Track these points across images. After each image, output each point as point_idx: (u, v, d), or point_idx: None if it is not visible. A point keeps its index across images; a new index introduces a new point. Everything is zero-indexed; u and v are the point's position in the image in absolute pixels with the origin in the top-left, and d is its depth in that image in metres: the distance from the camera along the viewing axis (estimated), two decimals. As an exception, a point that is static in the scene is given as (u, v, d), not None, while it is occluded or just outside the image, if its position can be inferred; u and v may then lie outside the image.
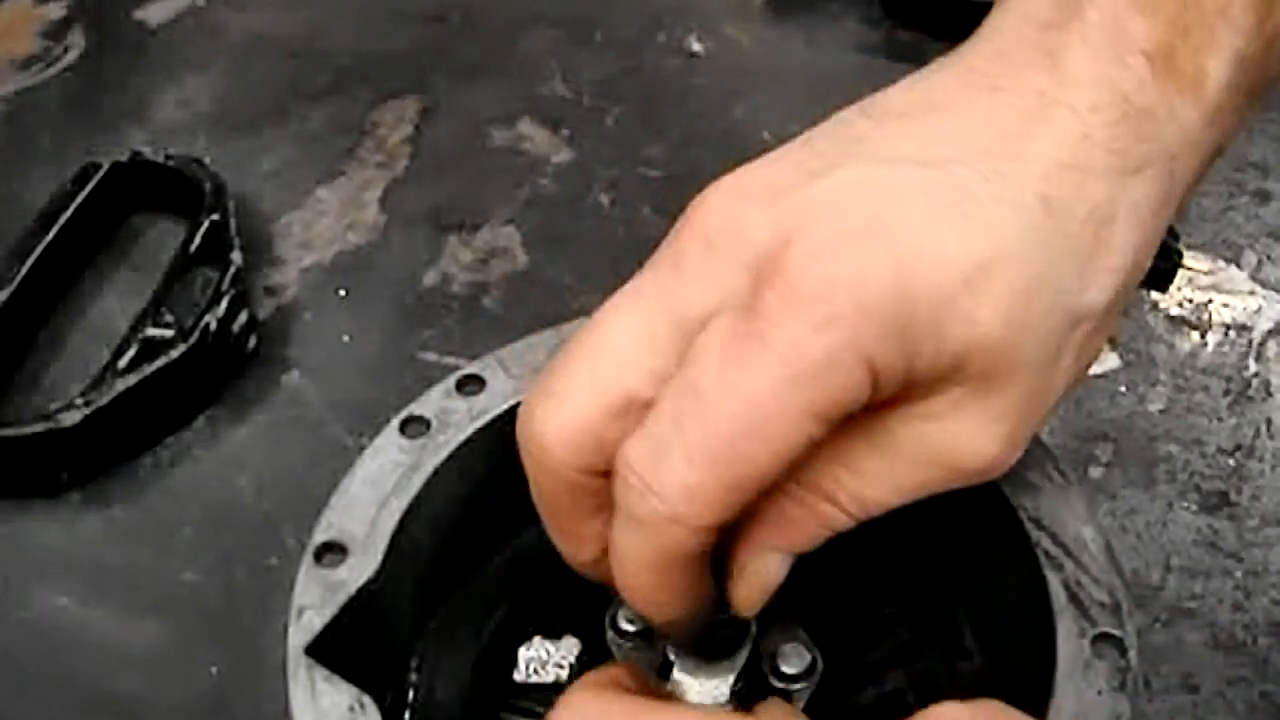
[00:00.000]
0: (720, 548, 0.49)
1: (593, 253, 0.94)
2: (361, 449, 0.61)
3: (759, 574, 0.50)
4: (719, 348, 0.44)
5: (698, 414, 0.44)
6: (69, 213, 0.93)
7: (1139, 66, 0.47)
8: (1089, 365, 0.51)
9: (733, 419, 0.44)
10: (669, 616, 0.50)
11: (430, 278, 0.95)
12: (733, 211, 0.46)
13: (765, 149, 0.49)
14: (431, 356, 0.90)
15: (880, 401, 0.46)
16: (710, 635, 0.54)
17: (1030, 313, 0.45)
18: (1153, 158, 0.47)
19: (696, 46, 1.13)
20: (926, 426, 0.47)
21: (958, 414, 0.47)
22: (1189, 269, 0.94)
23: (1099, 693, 0.52)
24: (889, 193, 0.45)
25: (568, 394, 0.48)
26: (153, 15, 1.19)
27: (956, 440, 0.47)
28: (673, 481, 0.45)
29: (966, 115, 0.47)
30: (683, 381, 0.45)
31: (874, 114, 0.49)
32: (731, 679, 0.54)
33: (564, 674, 0.62)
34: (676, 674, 0.55)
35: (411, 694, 0.62)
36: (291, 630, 0.54)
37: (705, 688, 0.54)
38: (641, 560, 0.47)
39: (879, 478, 0.48)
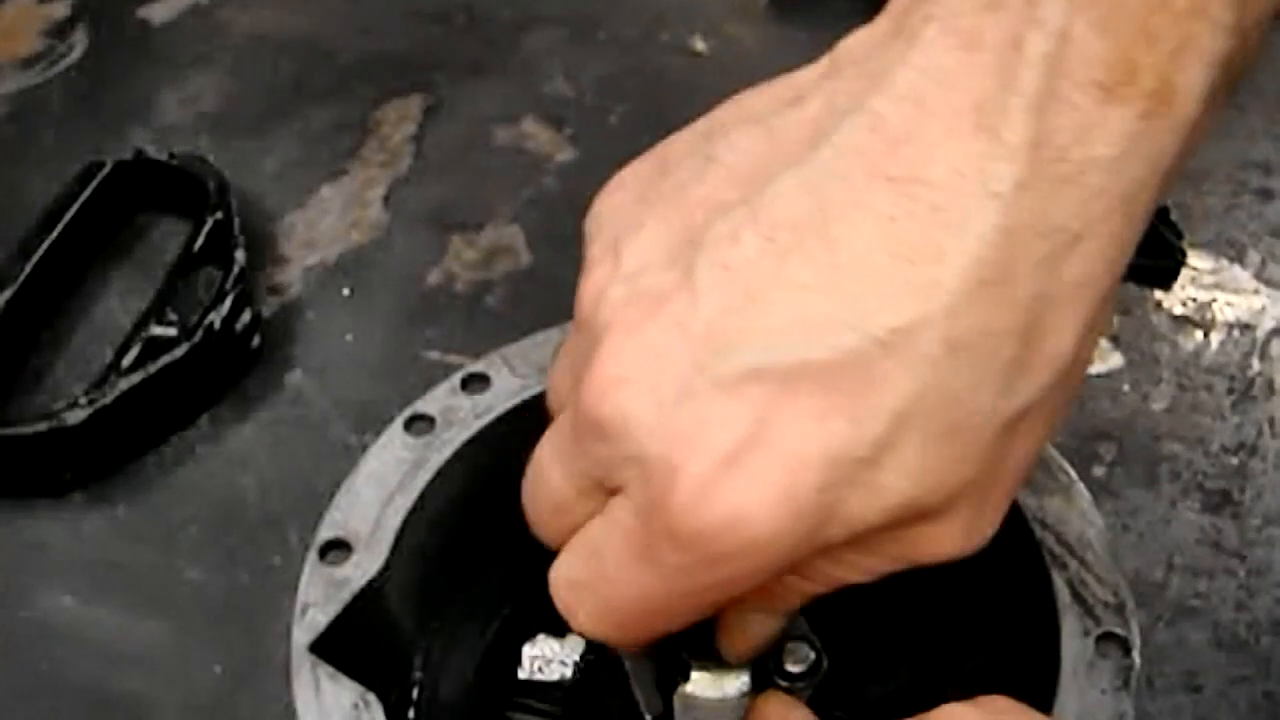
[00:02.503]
0: None
1: (596, 252, 0.94)
2: (365, 448, 0.61)
3: (745, 632, 0.50)
4: (620, 543, 0.44)
5: (603, 590, 0.45)
6: (72, 212, 0.93)
7: (1086, 104, 0.39)
8: (1053, 428, 0.46)
9: (631, 606, 0.45)
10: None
11: (434, 276, 0.95)
12: (616, 403, 0.43)
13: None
14: (435, 355, 0.90)
15: None
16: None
17: (948, 453, 0.42)
18: (1101, 213, 0.40)
19: (700, 46, 1.13)
20: (882, 546, 0.45)
21: (906, 537, 0.44)
22: (1192, 268, 0.93)
23: (1102, 692, 0.52)
24: (771, 389, 0.41)
25: (534, 514, 0.51)
26: (156, 14, 1.19)
27: (916, 547, 0.45)
28: (587, 625, 0.47)
29: (857, 237, 0.40)
30: (594, 548, 0.46)
31: (762, 227, 0.42)
32: (747, 677, 0.54)
33: (569, 672, 0.62)
34: (694, 672, 0.55)
35: (416, 692, 0.62)
36: (296, 628, 0.54)
37: (725, 683, 0.54)
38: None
39: (853, 567, 0.46)
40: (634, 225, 0.46)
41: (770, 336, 0.41)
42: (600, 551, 0.45)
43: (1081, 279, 0.41)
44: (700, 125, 0.48)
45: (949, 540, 0.45)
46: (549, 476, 0.48)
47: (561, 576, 0.47)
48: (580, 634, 0.48)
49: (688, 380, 0.41)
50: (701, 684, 0.54)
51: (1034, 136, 0.39)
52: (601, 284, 0.46)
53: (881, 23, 0.44)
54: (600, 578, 0.45)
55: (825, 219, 0.41)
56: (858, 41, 0.44)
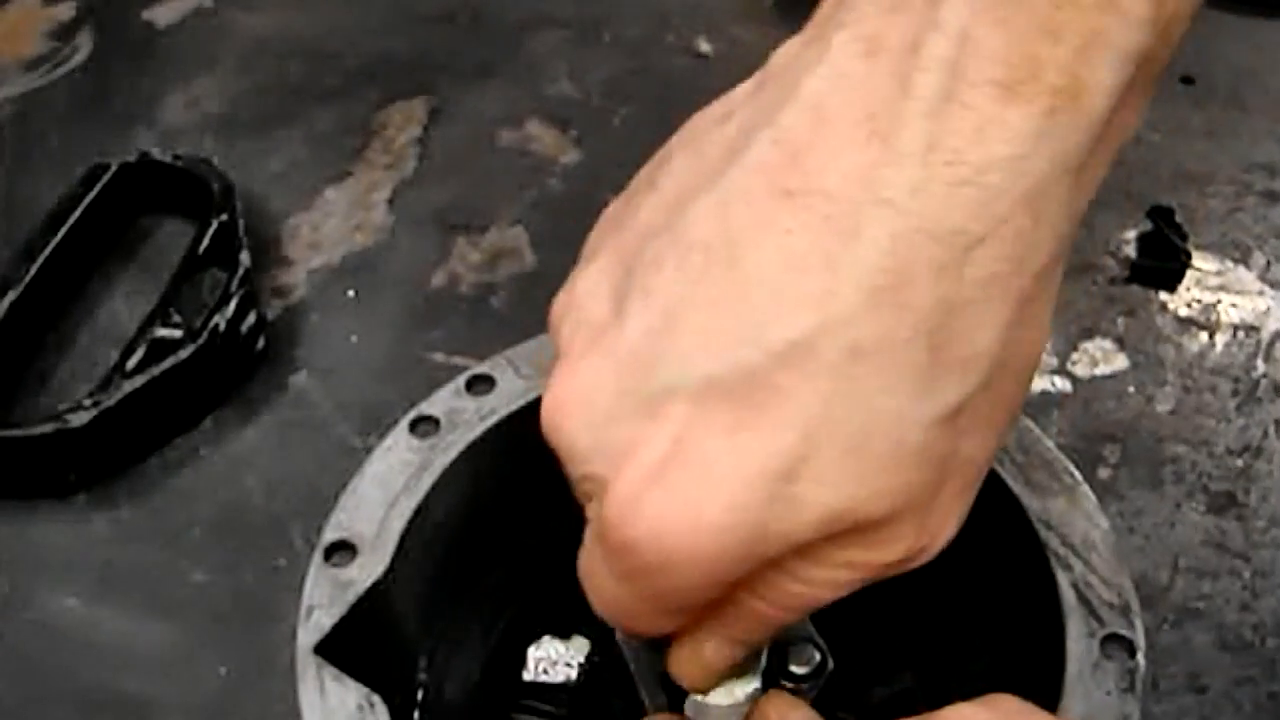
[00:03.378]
0: None
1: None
2: (370, 449, 0.61)
3: (697, 658, 0.51)
4: (587, 545, 0.47)
5: (588, 583, 0.47)
6: (77, 214, 0.94)
7: (984, 104, 0.39)
8: (1012, 413, 0.45)
9: (608, 603, 0.47)
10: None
11: (438, 278, 0.95)
12: (562, 433, 0.45)
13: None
14: (439, 357, 0.90)
15: None
16: None
17: (869, 460, 0.41)
18: (1003, 213, 0.39)
19: (705, 47, 1.13)
20: (832, 555, 0.45)
21: (851, 546, 0.44)
22: (1197, 269, 0.93)
23: (1108, 693, 0.52)
24: (688, 406, 0.42)
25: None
26: (161, 16, 1.19)
27: (865, 555, 0.45)
28: (599, 612, 0.48)
29: (758, 253, 0.41)
30: (585, 541, 0.47)
31: (679, 250, 0.43)
32: (758, 681, 0.54)
33: (573, 673, 0.62)
34: None
35: (420, 693, 0.62)
36: (300, 630, 0.54)
37: (737, 687, 0.54)
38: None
39: (808, 581, 0.46)
40: (590, 256, 0.48)
41: (683, 356, 0.42)
42: (584, 559, 0.47)
43: (988, 280, 0.40)
44: (660, 151, 0.49)
45: (898, 545, 0.44)
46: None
47: (579, 563, 0.49)
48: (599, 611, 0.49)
49: (615, 404, 0.43)
50: (714, 692, 0.54)
51: (928, 141, 0.39)
52: (559, 314, 0.48)
53: (806, 30, 0.44)
54: (588, 580, 0.47)
55: (731, 238, 0.41)
56: (783, 53, 0.45)
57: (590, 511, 0.46)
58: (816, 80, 0.41)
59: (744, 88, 0.46)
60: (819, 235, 0.40)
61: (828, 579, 0.45)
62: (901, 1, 0.40)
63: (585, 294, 0.46)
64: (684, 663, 0.51)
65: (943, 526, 0.46)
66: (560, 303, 0.48)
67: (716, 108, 0.47)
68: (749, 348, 0.41)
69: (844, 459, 0.41)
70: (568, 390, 0.45)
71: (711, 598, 0.45)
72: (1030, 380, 0.45)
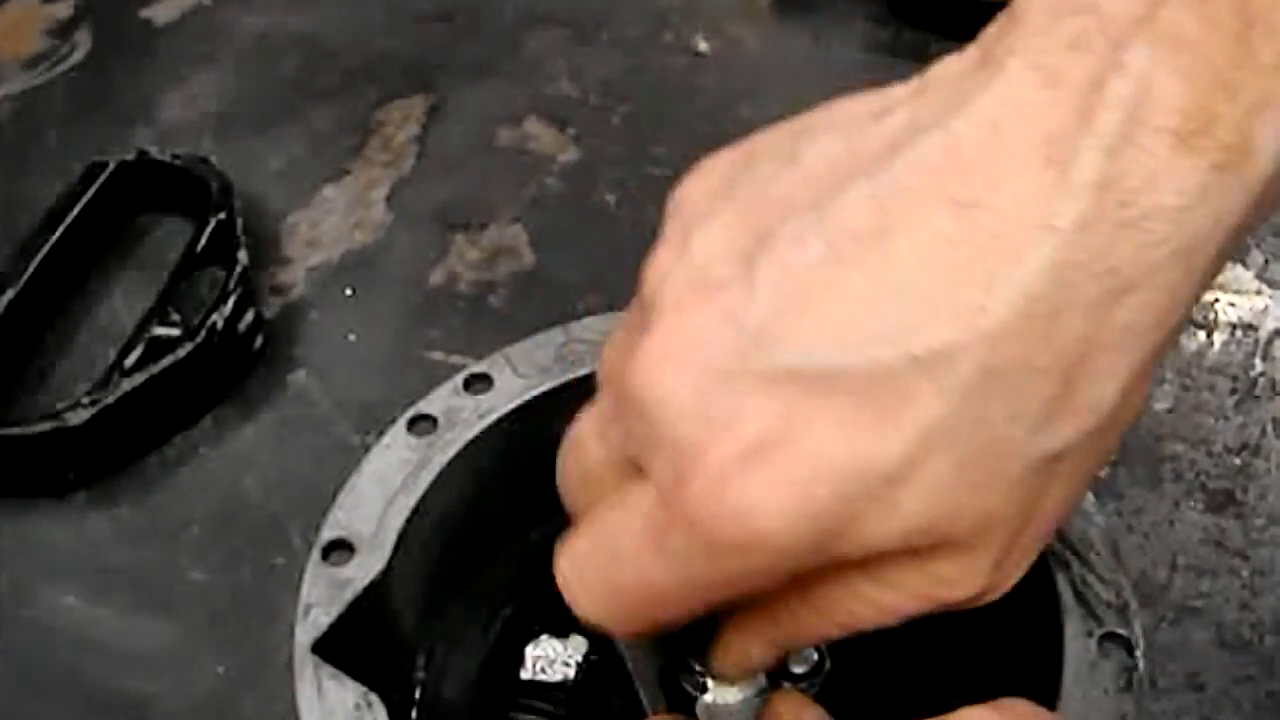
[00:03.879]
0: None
1: (599, 252, 0.94)
2: (368, 448, 0.61)
3: (742, 655, 0.51)
4: (635, 524, 0.45)
5: (610, 566, 0.46)
6: (75, 212, 0.93)
7: (1160, 150, 0.39)
8: (1093, 475, 0.46)
9: (635, 587, 0.45)
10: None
11: (437, 277, 0.95)
12: (659, 384, 0.43)
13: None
14: (438, 355, 0.90)
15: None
16: None
17: (972, 483, 0.41)
18: (1160, 262, 0.39)
19: (703, 46, 1.13)
20: (900, 576, 0.45)
21: (924, 569, 0.44)
22: (1195, 268, 0.93)
23: (1105, 692, 0.52)
24: (806, 391, 0.41)
25: (564, 483, 0.52)
26: (159, 14, 1.19)
27: (936, 585, 0.45)
28: (587, 607, 0.47)
29: (915, 256, 0.40)
30: (604, 526, 0.47)
31: (827, 233, 0.42)
32: (763, 679, 0.54)
33: (571, 673, 0.62)
34: (710, 681, 0.55)
35: (419, 692, 0.62)
36: (298, 628, 0.54)
37: (743, 685, 0.54)
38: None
39: (868, 601, 0.46)
40: (708, 214, 0.46)
41: (813, 341, 0.41)
42: (614, 533, 0.46)
43: (1130, 326, 0.40)
44: (791, 124, 0.48)
45: (970, 578, 0.44)
46: (586, 447, 0.49)
47: (570, 552, 0.48)
48: (577, 614, 0.48)
49: (729, 369, 0.42)
50: (720, 692, 0.54)
51: (1102, 177, 0.39)
52: (666, 266, 0.45)
53: (971, 51, 0.43)
54: (610, 559, 0.46)
55: (886, 233, 0.41)
56: (947, 66, 0.44)
57: (658, 476, 0.44)
58: (992, 99, 0.40)
59: (902, 89, 0.45)
60: (981, 251, 0.39)
61: (889, 602, 0.46)
62: (1082, 39, 0.40)
63: (704, 252, 0.44)
64: (729, 662, 0.51)
65: (1012, 572, 0.46)
66: (663, 258, 0.46)
67: (872, 99, 0.46)
68: (888, 347, 0.40)
69: (952, 474, 0.41)
70: (677, 344, 0.43)
71: (757, 590, 0.45)
72: (1117, 439, 0.45)
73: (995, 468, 0.41)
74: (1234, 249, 0.42)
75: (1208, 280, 0.42)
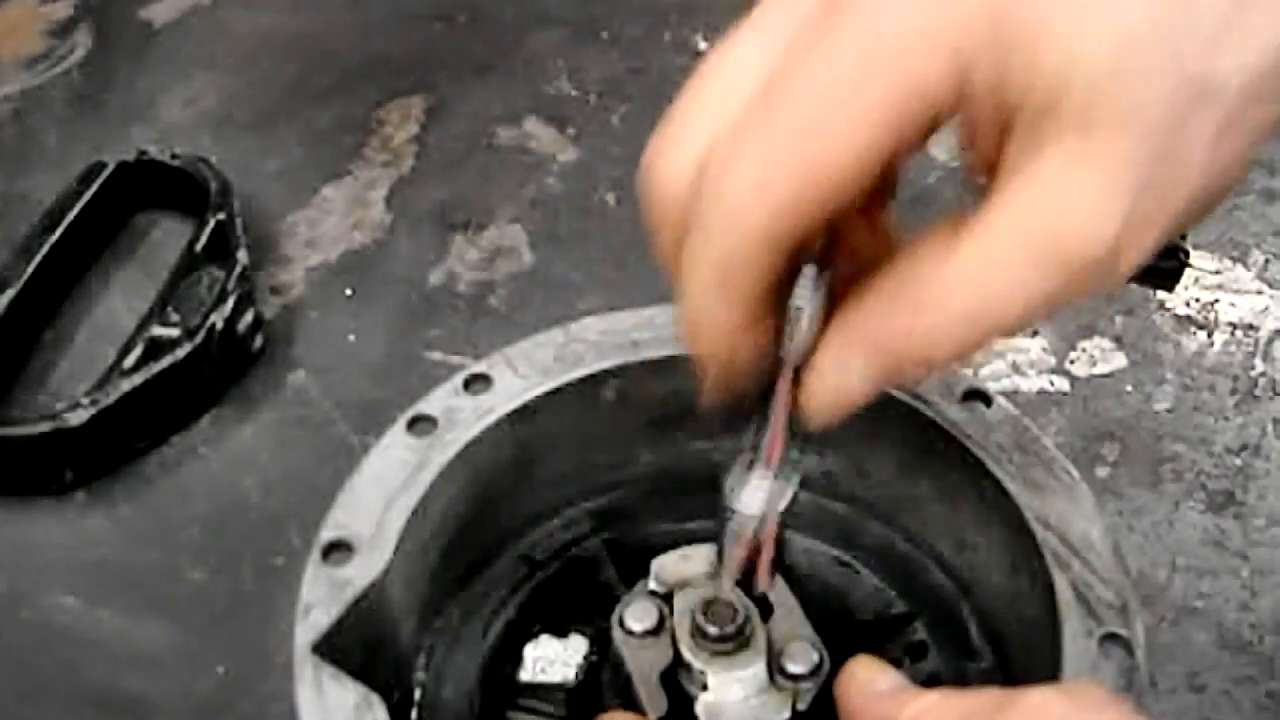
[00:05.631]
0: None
1: (599, 251, 0.94)
2: (367, 448, 0.61)
3: (838, 389, 0.45)
4: (802, 35, 0.42)
5: (775, 106, 0.42)
6: (75, 212, 0.93)
7: None
8: (1230, 171, 0.43)
9: (806, 107, 0.41)
10: (717, 352, 0.46)
11: (436, 276, 0.95)
12: None
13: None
14: (437, 355, 0.90)
15: (984, 191, 0.42)
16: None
17: (1147, 56, 0.39)
18: None
19: (703, 45, 1.13)
20: (1037, 203, 0.41)
21: (1066, 175, 0.40)
22: (1196, 268, 0.93)
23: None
24: None
25: (685, 129, 0.46)
26: (158, 14, 1.19)
27: (1070, 213, 0.41)
28: (742, 177, 0.42)
29: None
30: (769, 78, 0.43)
31: None
32: (763, 663, 0.54)
33: (571, 673, 0.62)
34: (712, 679, 0.55)
35: (418, 692, 0.62)
36: (298, 628, 0.54)
37: (745, 680, 0.54)
38: (704, 273, 0.44)
39: (981, 273, 0.42)
40: None
41: None
42: (780, 66, 0.42)
43: None
44: None
45: (1105, 211, 0.41)
46: (725, 54, 0.46)
47: (720, 142, 0.43)
48: (728, 198, 0.43)
49: None
50: (723, 689, 0.54)
51: None
52: None
53: None
54: (774, 92, 0.42)
55: None
56: None
57: None
58: None
59: None
60: None
61: (1007, 271, 0.41)
62: None
63: None
64: (824, 387, 0.46)
65: (1142, 230, 0.42)
66: None
67: None
68: None
69: (1120, 41, 0.40)
70: None
71: (928, 101, 0.41)
72: (1264, 131, 0.44)
73: (1164, 56, 0.40)
74: None
75: None
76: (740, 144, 0.42)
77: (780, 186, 0.42)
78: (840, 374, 0.45)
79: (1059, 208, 0.41)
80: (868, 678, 0.52)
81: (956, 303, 0.42)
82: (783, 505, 0.50)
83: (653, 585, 0.57)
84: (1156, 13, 0.39)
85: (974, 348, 0.43)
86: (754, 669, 0.55)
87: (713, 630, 0.55)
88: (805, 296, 0.45)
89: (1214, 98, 0.41)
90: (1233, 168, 0.43)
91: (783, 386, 0.47)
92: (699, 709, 0.55)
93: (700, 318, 0.45)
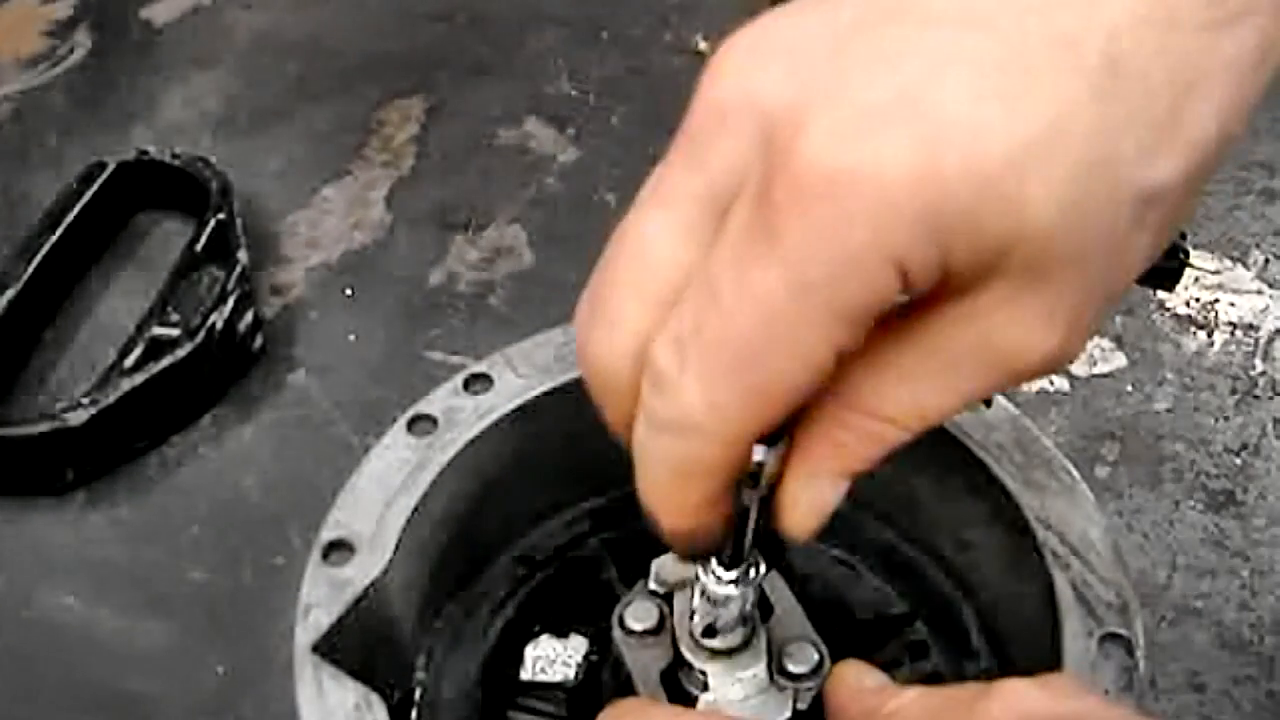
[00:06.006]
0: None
1: (599, 251, 0.93)
2: (368, 448, 0.61)
3: (813, 504, 0.46)
4: (736, 243, 0.41)
5: (714, 319, 0.41)
6: (75, 212, 0.94)
7: None
8: (1164, 243, 0.44)
9: (748, 326, 0.41)
10: (680, 528, 0.47)
11: (436, 277, 0.95)
12: (745, 77, 0.42)
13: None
14: (437, 355, 0.90)
15: (921, 299, 0.41)
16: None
17: (1088, 195, 0.39)
18: (1257, 5, 0.40)
19: (703, 45, 1.13)
20: (977, 324, 0.42)
21: (1009, 307, 0.41)
22: (1195, 268, 0.93)
23: (1106, 692, 0.52)
24: (924, 59, 0.39)
25: (617, 315, 0.46)
26: (159, 14, 1.19)
27: (1011, 336, 0.41)
28: (694, 390, 0.42)
29: None
30: (702, 278, 0.42)
31: None
32: (763, 657, 0.54)
33: (571, 673, 0.62)
34: (711, 679, 0.55)
35: (419, 692, 0.62)
36: (298, 628, 0.54)
37: (745, 681, 0.54)
38: (662, 467, 0.45)
39: (931, 383, 0.43)
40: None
41: (927, 23, 0.40)
42: (712, 279, 0.41)
43: (1233, 61, 0.40)
44: None
45: (1048, 336, 0.41)
46: (644, 234, 0.45)
47: (661, 346, 0.43)
48: (683, 416, 0.43)
49: (831, 56, 0.40)
50: (722, 688, 0.54)
51: None
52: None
53: None
54: (712, 306, 0.41)
55: None
56: None
57: (762, 170, 0.40)
58: None
59: None
60: None
61: (956, 379, 0.43)
62: None
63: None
64: (800, 511, 0.46)
65: (1084, 336, 0.43)
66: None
67: None
68: (1011, 28, 0.39)
69: (1070, 176, 0.39)
70: (761, 43, 0.41)
71: (872, 302, 0.40)
72: (1193, 205, 0.44)
73: (1108, 186, 0.40)
74: None
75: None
76: (687, 361, 0.42)
77: (734, 410, 0.42)
78: (814, 491, 0.46)
79: (1001, 331, 0.42)
80: (855, 675, 0.53)
81: (907, 417, 0.44)
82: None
83: (652, 585, 0.57)
84: (1093, 151, 0.39)
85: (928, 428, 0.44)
86: (754, 669, 0.55)
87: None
88: (765, 451, 0.45)
89: (1158, 201, 0.41)
90: (1176, 230, 0.44)
91: (751, 515, 0.48)
92: (699, 709, 0.55)
93: (660, 505, 0.46)
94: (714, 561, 0.52)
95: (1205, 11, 0.40)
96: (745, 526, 0.49)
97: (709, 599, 0.53)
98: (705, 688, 0.55)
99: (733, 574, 0.52)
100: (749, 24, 0.42)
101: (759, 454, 0.45)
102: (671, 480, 0.45)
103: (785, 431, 0.45)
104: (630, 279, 0.45)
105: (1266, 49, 0.41)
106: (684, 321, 0.42)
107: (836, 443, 0.45)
